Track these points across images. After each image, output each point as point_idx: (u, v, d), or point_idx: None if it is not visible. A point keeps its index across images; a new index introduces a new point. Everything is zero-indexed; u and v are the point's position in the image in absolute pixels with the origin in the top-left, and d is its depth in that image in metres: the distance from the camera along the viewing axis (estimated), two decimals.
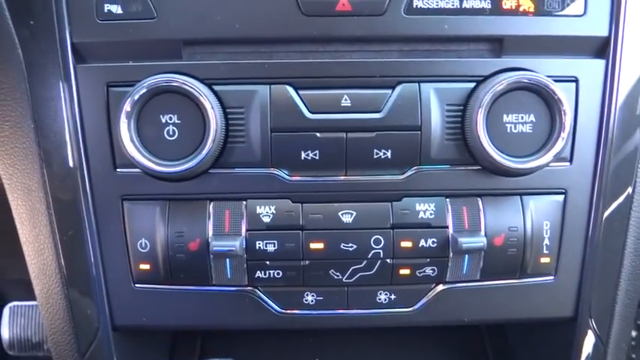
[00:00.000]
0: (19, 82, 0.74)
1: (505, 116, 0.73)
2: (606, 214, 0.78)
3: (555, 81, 0.73)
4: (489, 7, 0.73)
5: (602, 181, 0.78)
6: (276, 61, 0.74)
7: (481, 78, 0.74)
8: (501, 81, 0.72)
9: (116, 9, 0.72)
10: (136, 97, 0.70)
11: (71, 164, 0.75)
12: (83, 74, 0.74)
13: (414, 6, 0.73)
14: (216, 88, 0.73)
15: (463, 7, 0.73)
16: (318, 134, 0.74)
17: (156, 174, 0.72)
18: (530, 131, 0.74)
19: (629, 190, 0.79)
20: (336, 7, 0.72)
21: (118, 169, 0.75)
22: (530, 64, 0.75)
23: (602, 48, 0.76)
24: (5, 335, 1.09)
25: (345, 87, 0.74)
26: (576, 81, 0.76)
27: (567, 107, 0.72)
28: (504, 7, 0.74)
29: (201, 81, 0.73)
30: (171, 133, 0.72)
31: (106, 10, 0.72)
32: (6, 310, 1.10)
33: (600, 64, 0.76)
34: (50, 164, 0.75)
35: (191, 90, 0.71)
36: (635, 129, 0.78)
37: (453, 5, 0.73)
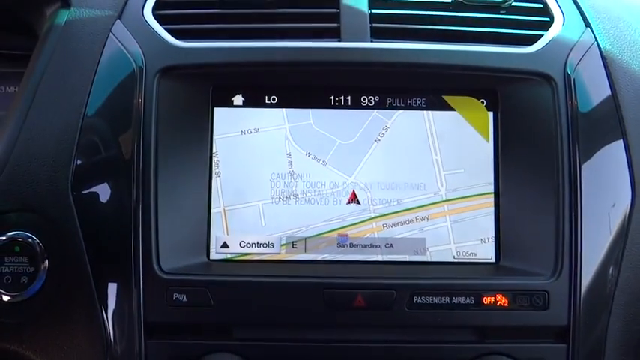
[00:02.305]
0: (99, 353, 0.93)
1: None
2: None
3: None
4: (473, 302, 0.94)
5: None
6: (303, 345, 0.94)
7: None
8: None
9: (182, 298, 0.93)
10: None
11: None
12: (151, 348, 0.93)
13: (415, 302, 0.93)
14: None
15: (453, 302, 0.94)
16: None
17: None
18: None
19: None
20: (353, 303, 0.93)
21: None
22: (506, 349, 0.94)
23: (563, 334, 0.95)
24: None
25: None
26: None
27: None
28: (485, 302, 0.94)
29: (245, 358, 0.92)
30: None
31: (174, 299, 0.93)
32: None
33: (562, 347, 0.95)
34: None
35: None
36: None
37: (445, 301, 0.94)
